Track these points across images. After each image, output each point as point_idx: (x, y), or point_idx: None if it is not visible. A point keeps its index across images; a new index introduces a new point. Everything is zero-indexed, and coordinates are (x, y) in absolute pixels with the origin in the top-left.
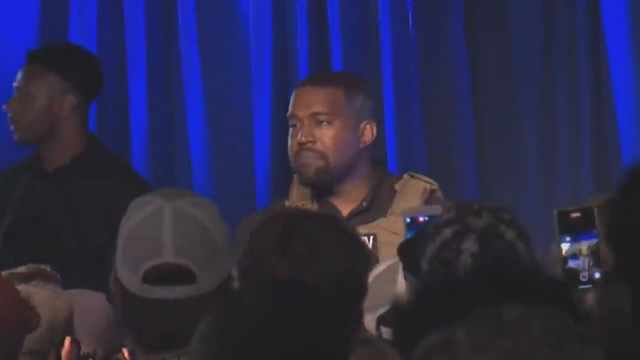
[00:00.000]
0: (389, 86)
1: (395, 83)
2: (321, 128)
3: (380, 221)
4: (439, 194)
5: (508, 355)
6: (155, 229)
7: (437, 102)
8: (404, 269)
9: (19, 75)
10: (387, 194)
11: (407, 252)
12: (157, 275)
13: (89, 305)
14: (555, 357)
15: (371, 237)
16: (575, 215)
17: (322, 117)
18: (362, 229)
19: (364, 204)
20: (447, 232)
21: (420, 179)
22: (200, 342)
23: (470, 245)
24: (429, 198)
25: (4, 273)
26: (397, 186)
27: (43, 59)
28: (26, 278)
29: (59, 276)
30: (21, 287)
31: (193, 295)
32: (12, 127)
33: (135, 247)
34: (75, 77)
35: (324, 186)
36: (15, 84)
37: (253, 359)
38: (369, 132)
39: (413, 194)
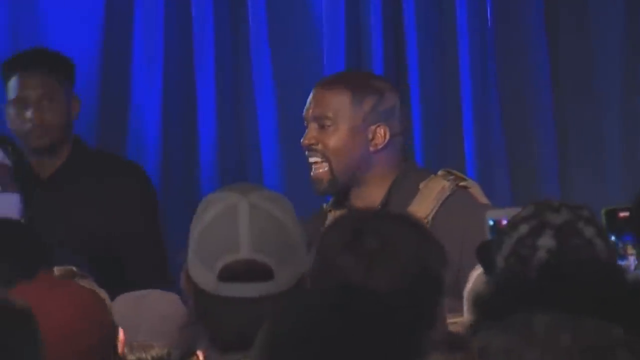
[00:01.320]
0: (466, 80)
1: (473, 77)
2: (325, 132)
3: None
4: (472, 193)
5: None
6: (231, 224)
7: (516, 96)
8: (483, 269)
9: (31, 81)
10: (408, 194)
11: (484, 252)
12: (234, 273)
13: (162, 306)
14: None
15: None
16: (623, 214)
17: (326, 122)
18: None
19: (379, 206)
20: (524, 228)
21: (447, 177)
22: (261, 345)
23: (547, 241)
24: (449, 198)
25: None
26: (422, 185)
27: (52, 62)
28: (66, 278)
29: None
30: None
31: (270, 293)
32: (35, 133)
33: (209, 244)
34: (73, 80)
35: (340, 192)
36: (32, 91)
37: None
38: (380, 135)
39: (430, 196)
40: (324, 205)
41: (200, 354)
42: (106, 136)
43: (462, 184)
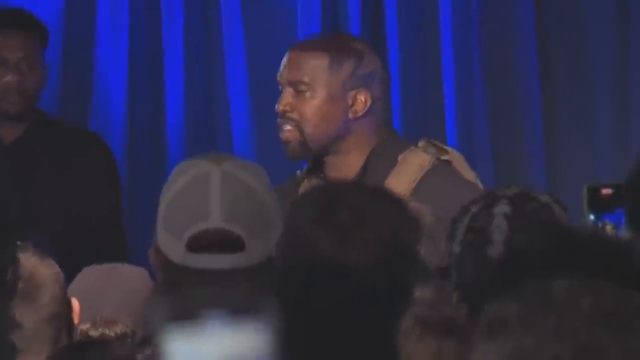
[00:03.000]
0: (449, 65)
1: (457, 62)
2: (301, 98)
3: None
4: (455, 167)
5: (554, 333)
6: (202, 192)
7: (502, 84)
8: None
9: (11, 42)
10: (386, 166)
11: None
12: (203, 243)
13: (130, 280)
14: (611, 336)
15: None
16: (605, 191)
17: (302, 87)
18: None
19: (355, 178)
20: (475, 208)
21: (428, 149)
22: None
23: (502, 208)
24: (428, 173)
25: None
26: (400, 157)
27: (33, 25)
28: None
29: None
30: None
31: (242, 265)
32: (13, 98)
33: (179, 212)
34: (46, 47)
35: (313, 160)
36: (12, 53)
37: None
38: (361, 101)
39: (408, 170)
40: (298, 173)
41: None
42: (69, 107)
43: (444, 157)
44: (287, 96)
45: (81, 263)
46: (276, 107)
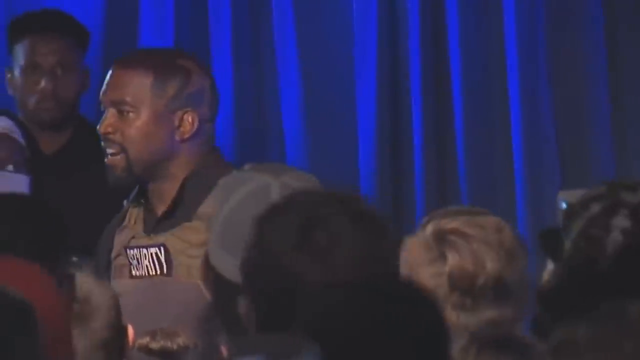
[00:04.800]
0: (513, 59)
1: (520, 55)
2: (125, 119)
3: (180, 228)
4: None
5: (631, 358)
6: (263, 206)
7: (569, 77)
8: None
9: (45, 47)
10: (203, 191)
11: (549, 236)
12: None
13: (185, 293)
14: None
15: (161, 249)
16: None
17: (125, 107)
18: (147, 240)
19: (171, 203)
20: (596, 208)
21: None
22: None
23: (621, 221)
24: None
25: None
26: (221, 181)
27: (68, 27)
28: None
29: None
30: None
31: None
32: (48, 105)
33: (238, 227)
34: (86, 50)
35: (139, 186)
36: (46, 58)
37: None
38: (188, 122)
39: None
40: (125, 202)
41: (224, 349)
42: None
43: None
44: (110, 117)
45: None
46: (97, 128)
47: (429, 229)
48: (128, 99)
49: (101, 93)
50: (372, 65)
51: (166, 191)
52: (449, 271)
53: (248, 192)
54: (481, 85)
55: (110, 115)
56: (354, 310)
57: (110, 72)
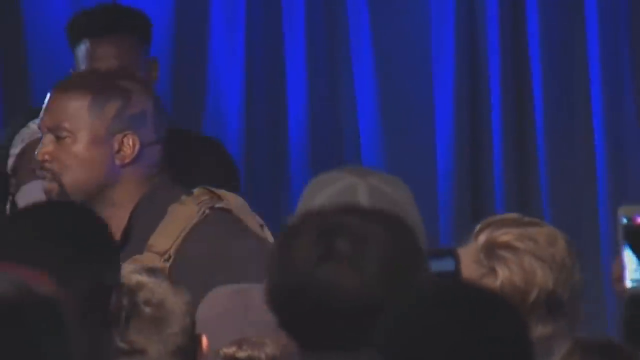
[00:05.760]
0: (595, 58)
1: (603, 49)
2: (62, 144)
3: (131, 261)
4: (233, 215)
5: None
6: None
7: None
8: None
9: (103, 51)
10: (154, 219)
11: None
12: None
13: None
14: None
15: None
16: None
17: (62, 132)
18: None
19: (121, 234)
20: None
21: (200, 198)
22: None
23: None
24: (196, 226)
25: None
26: (170, 208)
27: (126, 25)
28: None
29: None
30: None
31: None
32: None
33: None
34: (150, 42)
35: None
36: (104, 63)
37: None
38: (129, 146)
39: (175, 223)
40: None
41: None
42: (181, 112)
43: (218, 205)
44: (48, 143)
45: None
46: (35, 155)
47: (481, 240)
48: (65, 124)
49: (39, 118)
50: (449, 65)
51: (112, 220)
52: (499, 287)
53: (334, 192)
54: (561, 81)
55: (47, 141)
56: (428, 323)
57: (48, 96)
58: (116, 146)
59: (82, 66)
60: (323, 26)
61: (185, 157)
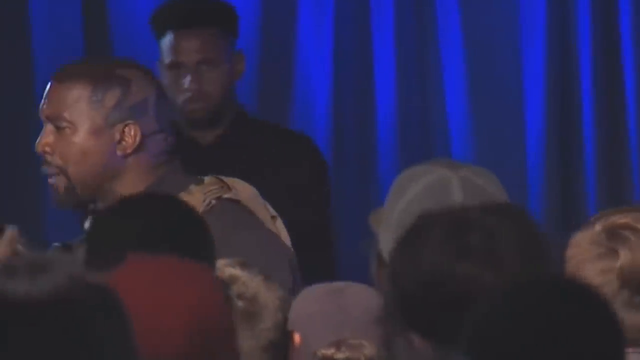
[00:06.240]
0: None
1: None
2: (62, 135)
3: None
4: (242, 205)
5: None
6: (443, 198)
7: None
8: None
9: (188, 44)
10: None
11: None
12: None
13: (365, 300)
14: None
15: None
16: None
17: (61, 123)
18: None
19: None
20: None
21: (208, 188)
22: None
23: None
24: (203, 215)
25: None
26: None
27: (211, 18)
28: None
29: None
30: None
31: None
32: (195, 106)
33: None
34: (236, 35)
35: (79, 207)
36: (189, 56)
37: None
38: (130, 135)
39: None
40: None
41: None
42: (268, 107)
43: (226, 195)
44: (48, 134)
45: None
46: (35, 146)
47: (599, 225)
48: (64, 114)
49: (40, 107)
50: (539, 59)
51: None
52: (619, 267)
53: (426, 184)
54: None
55: (47, 132)
56: (527, 313)
57: (48, 86)
58: (117, 136)
59: (167, 58)
60: (412, 21)
61: (274, 152)
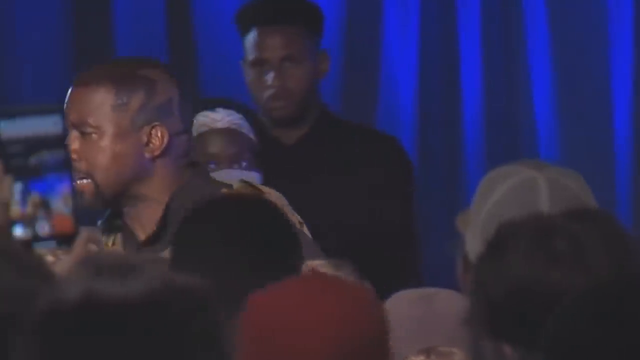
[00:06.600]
0: None
1: None
2: (88, 142)
3: (167, 253)
4: None
5: None
6: (530, 199)
7: None
8: None
9: (272, 40)
10: None
11: None
12: None
13: (455, 306)
14: None
15: None
16: None
17: (87, 129)
18: None
19: (156, 228)
20: None
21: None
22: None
23: None
24: None
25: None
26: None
27: (295, 16)
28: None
29: None
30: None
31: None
32: (278, 103)
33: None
34: (321, 34)
35: (112, 211)
36: (273, 53)
37: None
38: (157, 138)
39: None
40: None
41: None
42: (353, 107)
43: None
44: (74, 140)
45: (369, 276)
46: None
47: None
48: (89, 119)
49: (65, 113)
50: (627, 58)
51: (145, 215)
52: None
53: (512, 185)
54: None
55: (73, 138)
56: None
57: (69, 91)
58: (144, 139)
59: (250, 55)
60: (498, 20)
61: (359, 152)
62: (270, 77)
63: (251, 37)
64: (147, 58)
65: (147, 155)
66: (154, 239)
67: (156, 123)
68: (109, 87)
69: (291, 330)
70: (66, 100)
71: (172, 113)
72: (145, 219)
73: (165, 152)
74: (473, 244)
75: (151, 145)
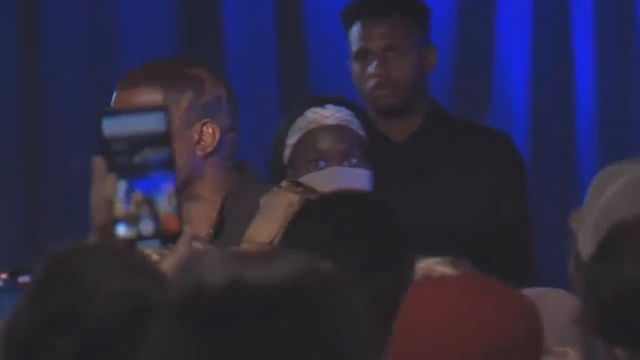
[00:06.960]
0: None
1: None
2: None
3: None
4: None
5: None
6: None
7: None
8: None
9: (375, 30)
10: (247, 212)
11: None
12: None
13: (566, 307)
14: None
15: None
16: None
17: None
18: None
19: (212, 230)
20: None
21: (294, 189)
22: None
23: None
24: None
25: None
26: (262, 200)
27: (400, 8)
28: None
29: None
30: None
31: None
32: (382, 92)
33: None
34: (427, 29)
35: None
36: (375, 42)
37: None
38: (209, 134)
39: (275, 214)
40: None
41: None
42: (467, 104)
43: (313, 197)
44: None
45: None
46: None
47: None
48: None
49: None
50: None
51: (197, 215)
52: None
53: (624, 183)
54: None
55: None
56: None
57: (115, 93)
58: (196, 137)
59: (354, 47)
60: (612, 18)
61: (471, 149)
62: (373, 67)
63: (355, 30)
64: (192, 57)
65: (199, 153)
66: (209, 240)
67: (207, 120)
68: (157, 87)
69: (447, 328)
70: (112, 101)
71: (221, 110)
72: (197, 219)
73: (216, 150)
74: (585, 243)
75: (203, 142)
